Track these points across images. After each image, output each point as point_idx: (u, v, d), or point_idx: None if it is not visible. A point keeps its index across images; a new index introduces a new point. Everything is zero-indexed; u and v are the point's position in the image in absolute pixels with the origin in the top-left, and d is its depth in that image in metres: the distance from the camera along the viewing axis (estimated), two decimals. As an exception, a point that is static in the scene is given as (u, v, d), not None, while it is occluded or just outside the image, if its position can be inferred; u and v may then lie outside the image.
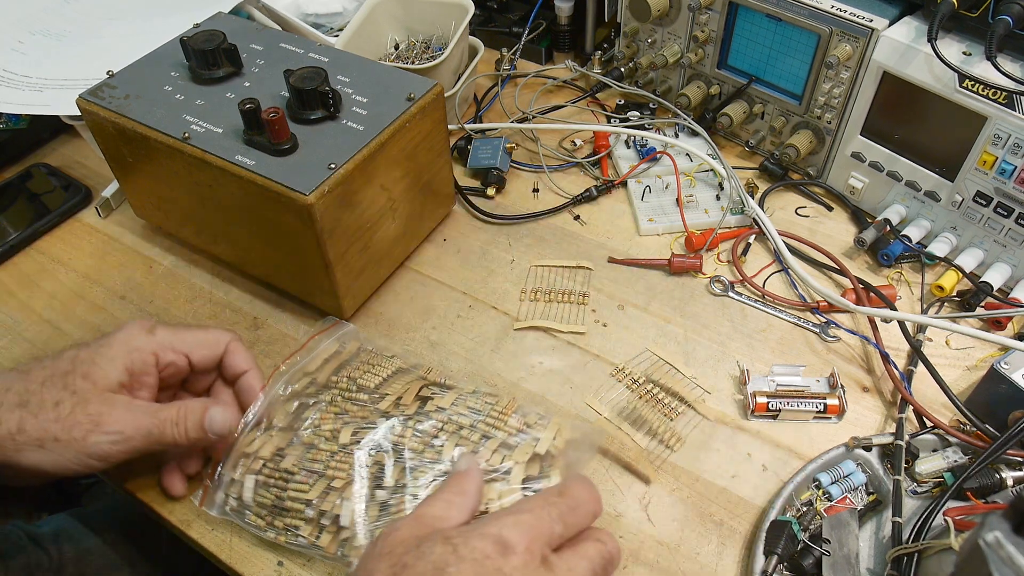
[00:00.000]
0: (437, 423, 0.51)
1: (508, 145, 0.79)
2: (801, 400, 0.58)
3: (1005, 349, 0.57)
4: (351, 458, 0.50)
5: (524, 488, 0.48)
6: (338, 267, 0.60)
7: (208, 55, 0.63)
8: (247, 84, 0.64)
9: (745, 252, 0.71)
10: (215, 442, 0.51)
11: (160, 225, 0.73)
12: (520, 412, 0.52)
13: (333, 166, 0.56)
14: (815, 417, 0.58)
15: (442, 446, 0.50)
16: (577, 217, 0.75)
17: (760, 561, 0.49)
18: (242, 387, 0.55)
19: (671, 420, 0.58)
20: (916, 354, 0.60)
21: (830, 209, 0.75)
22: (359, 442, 0.50)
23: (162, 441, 0.49)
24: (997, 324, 0.64)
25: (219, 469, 0.51)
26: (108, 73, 0.65)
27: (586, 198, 0.76)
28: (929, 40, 0.59)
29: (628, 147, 0.81)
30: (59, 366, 0.49)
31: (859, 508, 0.52)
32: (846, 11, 0.66)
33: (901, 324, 0.62)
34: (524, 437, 0.50)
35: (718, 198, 0.75)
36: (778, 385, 0.59)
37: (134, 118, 0.61)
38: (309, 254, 0.59)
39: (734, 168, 0.78)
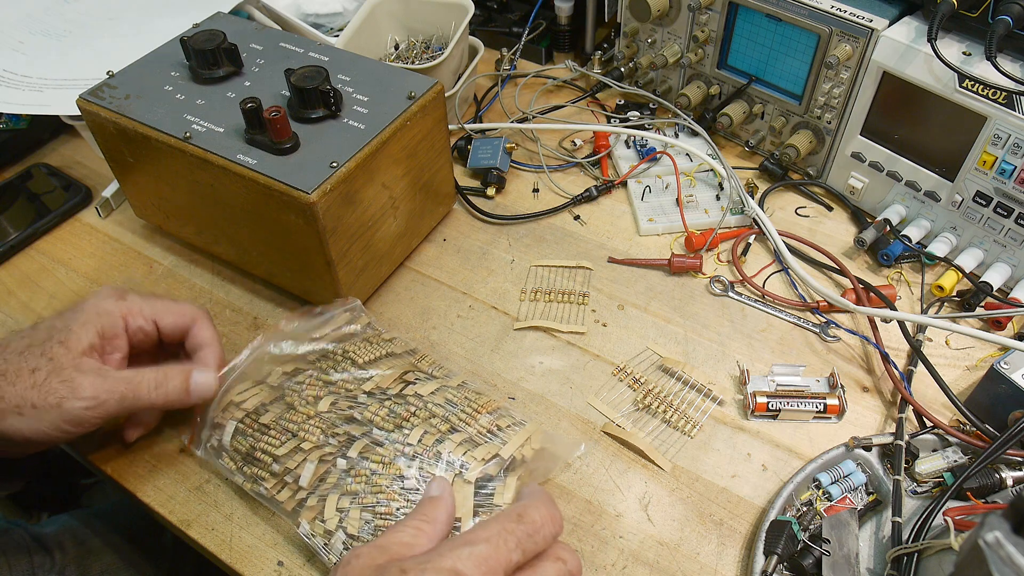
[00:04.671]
0: (411, 407, 0.52)
1: (508, 145, 0.79)
2: (801, 400, 0.58)
3: (1005, 349, 0.57)
4: (324, 425, 0.52)
5: (478, 488, 0.49)
6: (340, 266, 0.60)
7: (208, 55, 0.63)
8: (248, 83, 0.64)
9: (745, 252, 0.71)
10: (194, 404, 0.53)
11: (160, 225, 0.73)
12: (497, 414, 0.53)
13: (335, 164, 0.56)
14: (815, 417, 0.58)
15: (409, 431, 0.51)
16: (577, 217, 0.75)
17: (760, 561, 0.49)
18: (199, 359, 0.55)
19: (679, 416, 0.58)
20: (916, 354, 0.60)
21: (830, 209, 0.75)
22: (335, 412, 0.52)
23: (137, 405, 0.51)
24: (997, 324, 0.64)
25: (207, 411, 0.54)
26: (108, 73, 0.65)
27: (586, 198, 0.76)
28: (929, 40, 0.59)
29: (628, 147, 0.81)
30: (37, 336, 0.51)
31: (859, 508, 0.52)
32: (846, 11, 0.66)
33: (901, 324, 0.62)
34: (492, 438, 0.51)
35: (718, 198, 0.75)
36: (778, 385, 0.59)
37: (135, 118, 0.61)
38: (311, 253, 0.59)
39: (734, 168, 0.78)
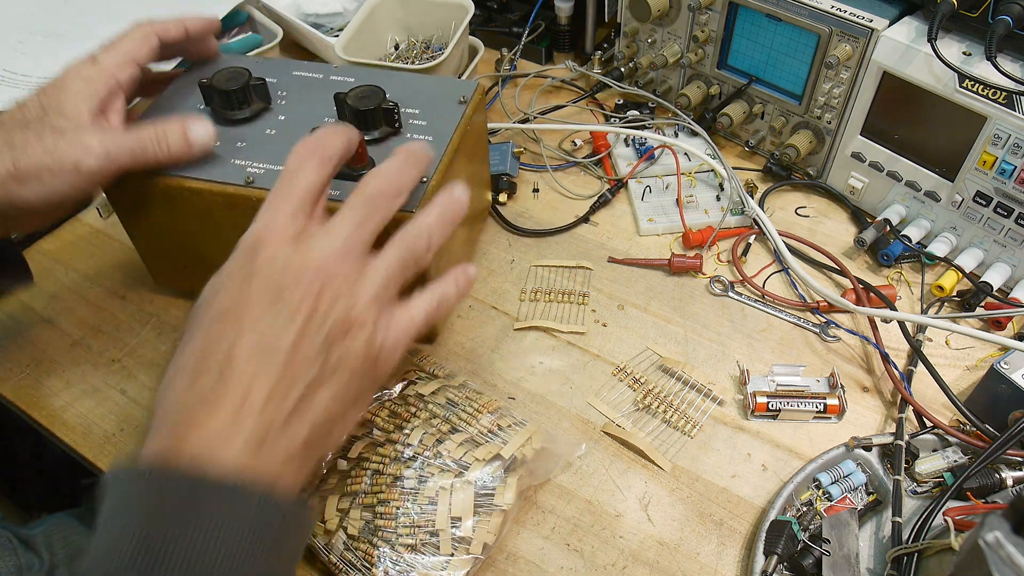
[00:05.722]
0: (412, 408, 0.52)
1: (516, 150, 0.79)
2: (801, 400, 0.58)
3: (1005, 349, 0.57)
4: None
5: (478, 488, 0.49)
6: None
7: (237, 94, 0.59)
8: (282, 117, 0.60)
9: (745, 252, 0.71)
10: (198, 156, 0.54)
11: (193, 288, 0.68)
12: (498, 414, 0.53)
13: (425, 180, 0.54)
14: (815, 417, 0.58)
15: (410, 432, 0.51)
16: (587, 219, 0.75)
17: (760, 561, 0.49)
18: (194, 40, 0.60)
19: (679, 416, 0.58)
20: (916, 354, 0.60)
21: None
22: None
23: (145, 159, 0.52)
24: (997, 324, 0.64)
25: None
26: None
27: (602, 203, 0.75)
28: (929, 40, 0.59)
29: (627, 145, 0.81)
30: (30, 113, 0.52)
31: (859, 508, 0.52)
32: (846, 11, 0.66)
33: (901, 324, 0.62)
34: (493, 438, 0.51)
35: (718, 198, 0.75)
36: (778, 385, 0.59)
37: (177, 173, 0.55)
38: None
39: (734, 168, 0.78)
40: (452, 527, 0.47)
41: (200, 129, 0.53)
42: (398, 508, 0.48)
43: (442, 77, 0.64)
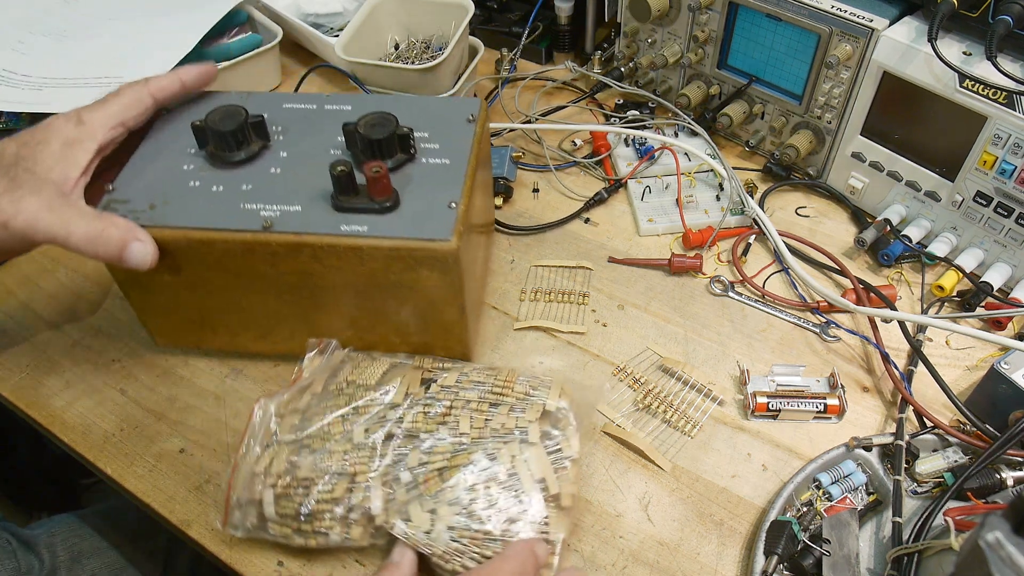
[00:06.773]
0: (447, 403, 0.52)
1: (515, 154, 0.79)
2: (801, 400, 0.58)
3: (1005, 349, 0.57)
4: (367, 452, 0.50)
5: (545, 445, 0.50)
6: (469, 310, 0.56)
7: (234, 135, 0.54)
8: (284, 154, 0.56)
9: (745, 252, 0.71)
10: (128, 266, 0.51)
11: (198, 344, 0.62)
12: (522, 379, 0.54)
13: (453, 205, 0.52)
14: (815, 417, 0.58)
15: (456, 421, 0.51)
16: (587, 220, 0.75)
17: (760, 561, 0.49)
18: (191, 92, 0.59)
19: (679, 416, 0.58)
20: (916, 354, 0.60)
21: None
22: (373, 436, 0.51)
23: (67, 247, 0.50)
24: (997, 324, 0.64)
25: (231, 492, 0.50)
26: (108, 188, 0.54)
27: (597, 201, 0.76)
28: (929, 40, 0.59)
29: (627, 146, 0.81)
30: (4, 158, 0.51)
31: (859, 508, 0.52)
32: (846, 11, 0.66)
33: (901, 324, 0.62)
34: (531, 399, 0.52)
35: (718, 198, 0.75)
36: (778, 385, 0.59)
37: (187, 225, 0.52)
38: (441, 305, 0.54)
39: (734, 168, 0.78)
40: (540, 488, 0.48)
41: (139, 251, 0.50)
42: (484, 488, 0.48)
43: (444, 97, 0.63)
